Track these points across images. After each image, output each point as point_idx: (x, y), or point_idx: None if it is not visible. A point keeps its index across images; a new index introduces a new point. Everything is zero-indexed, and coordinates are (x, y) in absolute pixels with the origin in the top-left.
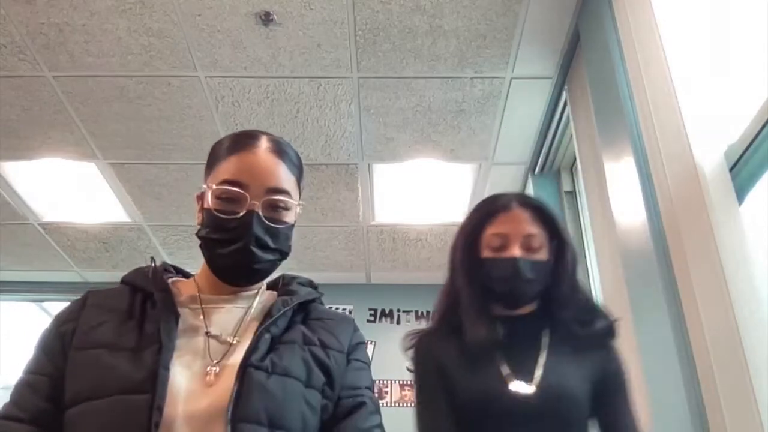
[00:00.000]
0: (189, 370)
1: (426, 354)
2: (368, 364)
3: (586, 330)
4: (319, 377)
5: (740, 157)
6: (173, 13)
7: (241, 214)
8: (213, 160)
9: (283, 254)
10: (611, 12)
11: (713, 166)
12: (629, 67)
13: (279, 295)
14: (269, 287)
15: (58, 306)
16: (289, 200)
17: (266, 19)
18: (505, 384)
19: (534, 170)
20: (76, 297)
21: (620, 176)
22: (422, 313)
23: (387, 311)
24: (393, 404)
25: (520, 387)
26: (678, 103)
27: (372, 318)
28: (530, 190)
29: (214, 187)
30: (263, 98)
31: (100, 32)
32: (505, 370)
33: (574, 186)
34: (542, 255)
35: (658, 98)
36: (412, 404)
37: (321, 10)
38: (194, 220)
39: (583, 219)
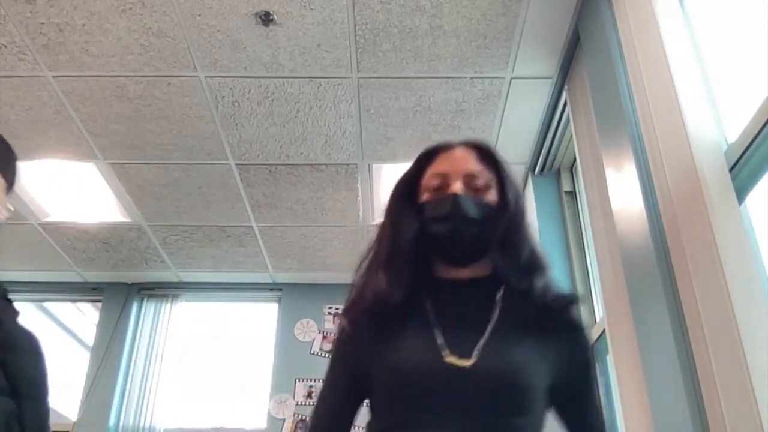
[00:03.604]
0: None
1: (345, 322)
2: (43, 395)
3: (542, 299)
4: None
5: (740, 157)
6: (173, 13)
7: None
8: None
9: None
10: (611, 12)
11: (713, 166)
12: (629, 67)
13: None
14: None
15: (58, 306)
16: None
17: (266, 19)
18: (437, 356)
19: (534, 170)
20: (77, 297)
21: (620, 176)
22: None
23: None
24: None
25: (454, 360)
26: (678, 103)
27: None
28: (530, 190)
29: None
30: (263, 98)
31: (100, 32)
32: (438, 338)
33: (574, 186)
34: (489, 197)
35: (658, 98)
36: None
37: (321, 10)
38: (194, 220)
39: (583, 219)
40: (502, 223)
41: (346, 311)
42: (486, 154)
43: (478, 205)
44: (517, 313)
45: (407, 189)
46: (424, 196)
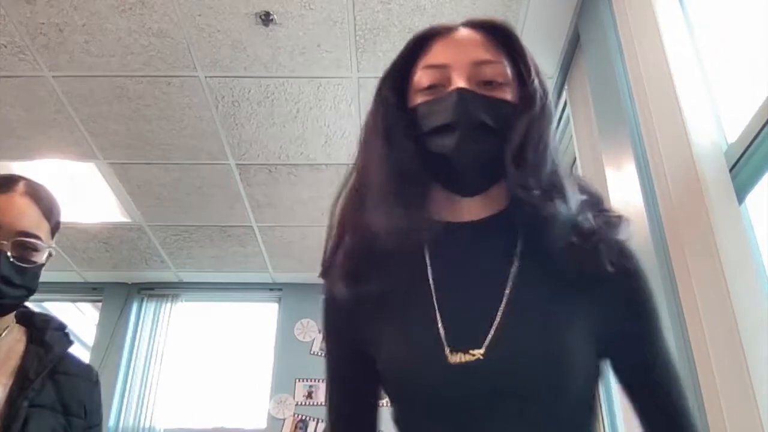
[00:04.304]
0: None
1: (328, 295)
2: (94, 419)
3: (576, 230)
4: None
5: (740, 157)
6: (173, 13)
7: None
8: None
9: (30, 291)
10: (611, 12)
11: (713, 166)
12: (629, 67)
13: (31, 342)
14: (20, 319)
15: (58, 306)
16: (39, 243)
17: (266, 19)
18: (438, 351)
19: None
20: (77, 297)
21: (620, 176)
22: None
23: None
24: None
25: (459, 358)
26: (678, 103)
27: None
28: None
29: None
30: (263, 98)
31: (100, 32)
32: (440, 323)
33: None
34: (506, 94)
35: (658, 98)
36: None
37: (321, 10)
38: (194, 220)
39: None
40: (522, 126)
41: (331, 270)
42: (501, 37)
43: (492, 104)
44: (544, 259)
45: (393, 92)
46: (417, 99)
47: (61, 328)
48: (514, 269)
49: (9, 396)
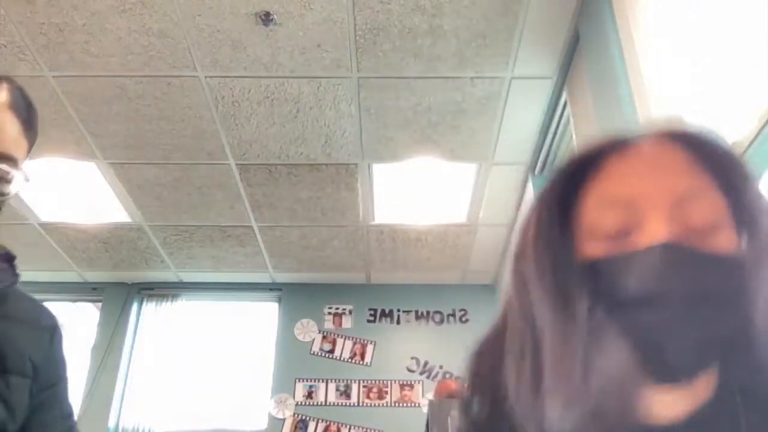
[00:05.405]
0: None
1: None
2: (65, 393)
3: None
4: None
5: None
6: (173, 13)
7: None
8: None
9: None
10: (611, 12)
11: None
12: (629, 67)
13: None
14: None
15: (58, 306)
16: (12, 171)
17: (266, 19)
18: None
19: (534, 170)
20: (77, 297)
21: None
22: (422, 313)
23: (387, 311)
24: (393, 404)
25: None
26: (679, 104)
27: (372, 318)
28: (530, 191)
29: None
30: (263, 98)
31: (100, 32)
32: None
33: None
34: (721, 242)
35: (659, 98)
36: (412, 404)
37: (321, 10)
38: (194, 220)
39: None
40: (758, 293)
41: None
42: (705, 153)
43: (711, 264)
44: None
45: (553, 230)
46: (592, 246)
47: (8, 259)
48: None
49: None
